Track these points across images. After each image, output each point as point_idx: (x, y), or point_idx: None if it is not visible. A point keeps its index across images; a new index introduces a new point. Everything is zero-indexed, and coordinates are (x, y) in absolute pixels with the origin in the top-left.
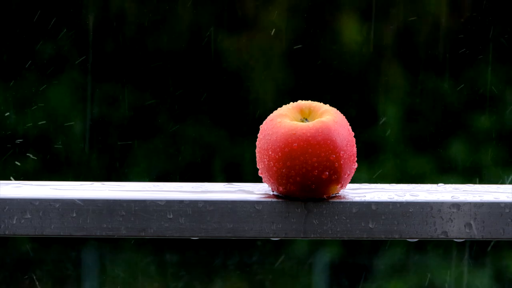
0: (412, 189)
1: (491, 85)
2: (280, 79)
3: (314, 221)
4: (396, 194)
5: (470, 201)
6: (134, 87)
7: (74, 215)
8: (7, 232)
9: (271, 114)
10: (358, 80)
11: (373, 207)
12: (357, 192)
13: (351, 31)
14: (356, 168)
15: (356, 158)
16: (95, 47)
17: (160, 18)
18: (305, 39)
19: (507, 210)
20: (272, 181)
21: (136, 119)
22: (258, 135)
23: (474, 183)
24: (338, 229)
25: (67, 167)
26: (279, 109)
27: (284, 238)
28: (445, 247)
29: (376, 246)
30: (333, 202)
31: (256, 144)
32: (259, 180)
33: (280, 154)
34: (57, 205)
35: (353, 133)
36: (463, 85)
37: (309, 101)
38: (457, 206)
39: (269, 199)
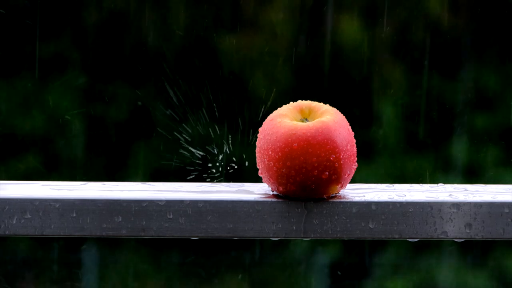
0: (412, 189)
1: (491, 85)
2: (280, 79)
3: (314, 221)
4: (396, 194)
5: (470, 201)
6: (134, 87)
7: (74, 215)
8: (7, 232)
9: (271, 114)
10: (358, 79)
11: (373, 207)
12: (357, 192)
13: (351, 30)
14: (356, 168)
15: (356, 158)
16: (95, 47)
17: (160, 18)
18: (305, 39)
19: (507, 210)
20: (272, 181)
21: (136, 119)
22: (258, 135)
23: (474, 183)
24: (338, 229)
25: (67, 167)
26: (279, 109)
27: (284, 238)
28: (445, 247)
29: (376, 246)
30: (333, 202)
31: (256, 144)
32: (259, 180)
33: (280, 154)
34: (57, 205)
35: (353, 133)
36: (463, 85)
37: (309, 101)
38: (457, 206)
39: (269, 199)
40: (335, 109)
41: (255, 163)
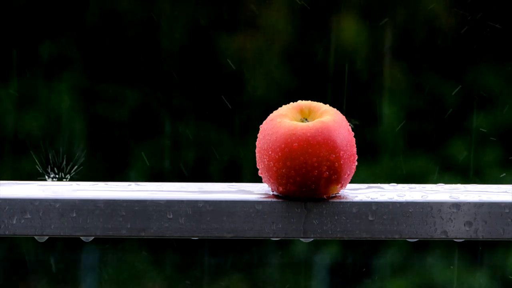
0: (412, 189)
1: (491, 85)
2: (280, 79)
3: (314, 221)
4: (396, 194)
5: (470, 201)
6: (134, 87)
7: (74, 215)
8: (7, 232)
9: (271, 114)
10: (358, 80)
11: (373, 207)
12: (357, 192)
13: (351, 31)
14: (356, 168)
15: (356, 158)
16: (95, 47)
17: (160, 18)
18: (305, 39)
19: (507, 210)
20: (272, 181)
21: (136, 119)
22: (258, 135)
23: (474, 183)
24: (338, 229)
25: (67, 167)
26: (279, 109)
27: (284, 238)
28: (445, 247)
29: (376, 246)
30: (333, 202)
31: (256, 144)
32: (259, 180)
33: (280, 154)
34: (57, 205)
35: (353, 133)
36: (463, 85)
37: (309, 101)
38: (457, 206)
39: (269, 199)
40: (335, 109)
41: (255, 163)
